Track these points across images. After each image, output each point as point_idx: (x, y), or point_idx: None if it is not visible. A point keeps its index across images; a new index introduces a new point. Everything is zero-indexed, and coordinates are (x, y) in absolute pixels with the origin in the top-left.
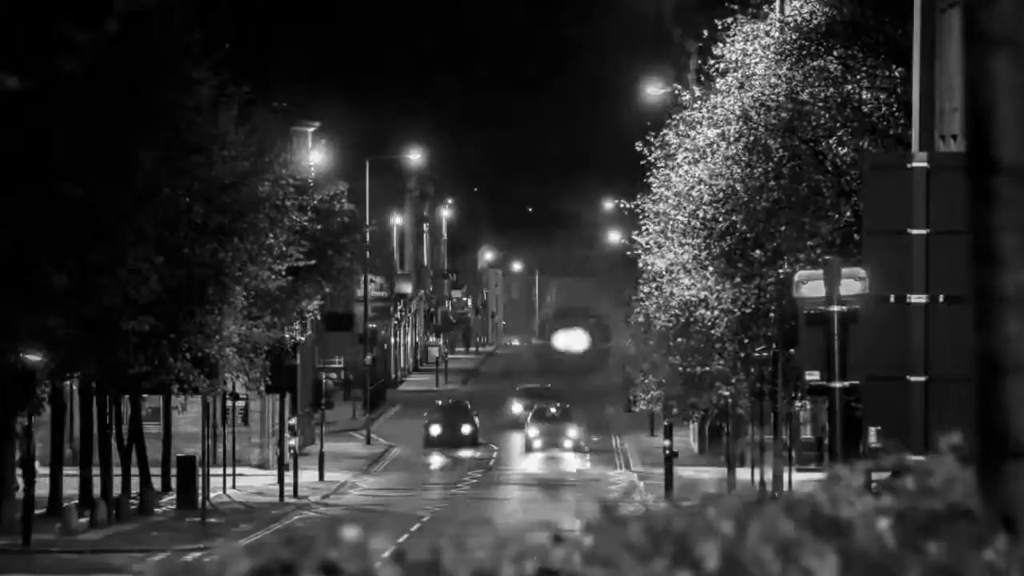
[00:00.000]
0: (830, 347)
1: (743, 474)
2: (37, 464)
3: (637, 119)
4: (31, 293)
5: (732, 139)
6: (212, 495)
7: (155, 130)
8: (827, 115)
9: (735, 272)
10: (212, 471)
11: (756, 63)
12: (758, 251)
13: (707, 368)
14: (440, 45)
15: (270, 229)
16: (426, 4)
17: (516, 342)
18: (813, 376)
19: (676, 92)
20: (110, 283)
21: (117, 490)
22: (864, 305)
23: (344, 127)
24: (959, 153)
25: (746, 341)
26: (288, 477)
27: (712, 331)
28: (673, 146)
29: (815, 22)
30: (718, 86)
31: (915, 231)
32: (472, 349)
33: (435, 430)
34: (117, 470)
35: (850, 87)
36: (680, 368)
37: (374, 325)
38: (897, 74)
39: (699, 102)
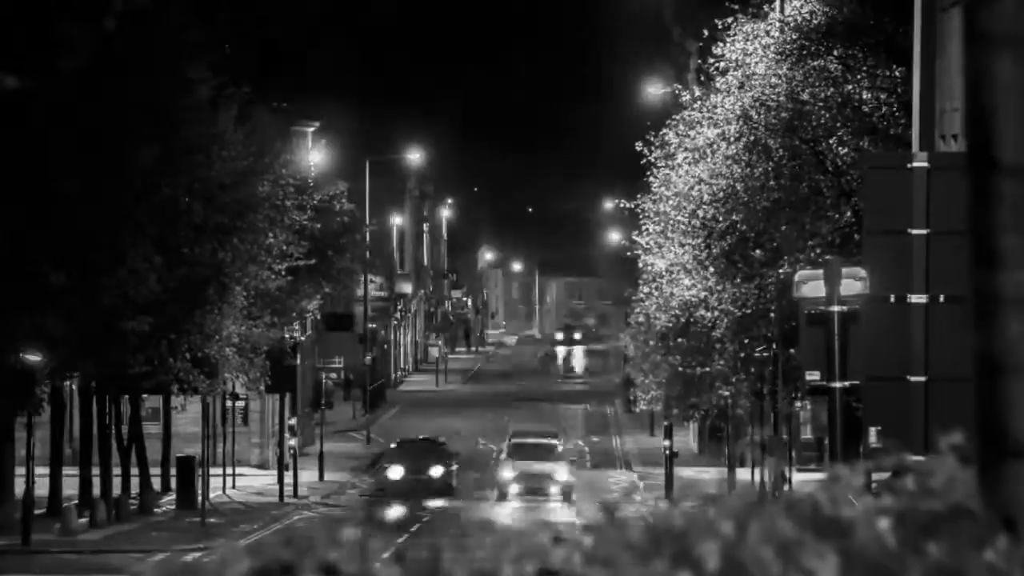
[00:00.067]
0: (830, 347)
1: (743, 474)
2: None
3: (637, 119)
4: (31, 293)
5: (732, 139)
6: (212, 495)
7: (154, 129)
8: (827, 115)
9: (735, 272)
10: (212, 471)
11: (756, 63)
12: (758, 251)
13: (707, 368)
14: (440, 45)
15: (270, 229)
16: (426, 4)
17: (513, 339)
18: (813, 376)
19: (676, 92)
20: (110, 283)
21: (117, 490)
22: (864, 305)
23: (344, 127)
24: (959, 153)
25: (746, 341)
26: (288, 477)
27: (712, 331)
28: (673, 146)
29: (815, 22)
30: (718, 86)
31: (915, 231)
32: (473, 349)
33: (394, 473)
34: (117, 470)
35: (850, 87)
36: (680, 368)
37: (374, 325)
38: (897, 74)
39: (699, 102)
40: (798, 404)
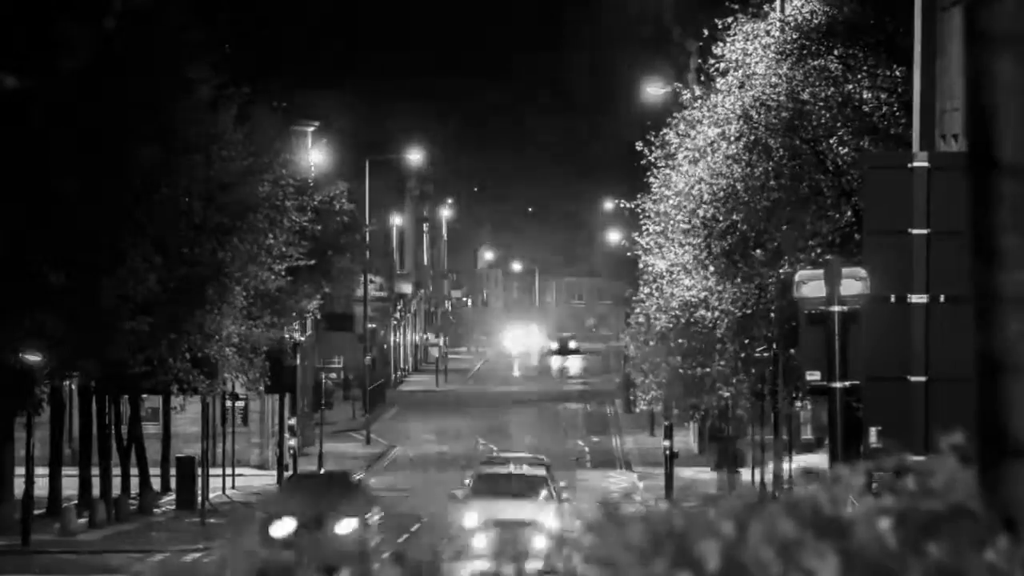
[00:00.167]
0: (830, 347)
1: (743, 475)
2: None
3: (637, 119)
4: (31, 293)
5: (732, 138)
6: (212, 495)
7: (154, 129)
8: (828, 115)
9: (735, 272)
10: (211, 471)
11: (756, 63)
12: (758, 251)
13: (707, 369)
14: (440, 45)
15: (269, 229)
16: (425, 3)
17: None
18: (813, 376)
19: (677, 91)
20: (110, 283)
21: (116, 490)
22: (865, 305)
23: (344, 127)
24: (960, 153)
25: (747, 341)
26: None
27: (712, 332)
28: (673, 146)
29: (816, 21)
30: (718, 86)
31: (916, 231)
32: (474, 349)
33: (280, 529)
34: (116, 470)
35: (851, 86)
36: (680, 369)
37: (374, 325)
38: (898, 73)
39: (699, 101)
40: (798, 404)
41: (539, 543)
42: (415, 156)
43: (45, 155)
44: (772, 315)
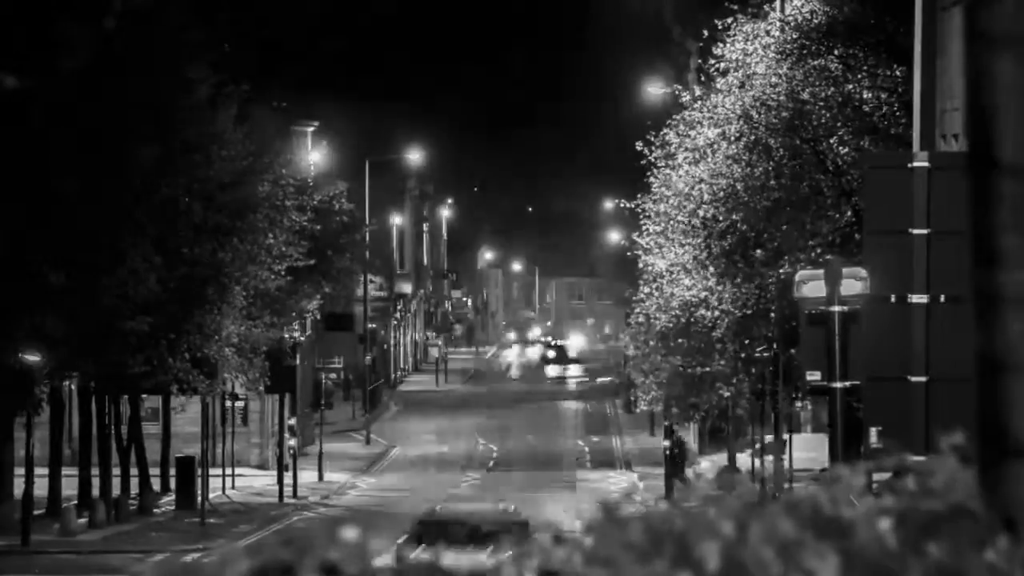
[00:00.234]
0: (831, 347)
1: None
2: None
3: (637, 119)
4: (30, 293)
5: (733, 138)
6: (211, 496)
7: (154, 129)
8: (828, 114)
9: (736, 272)
10: (211, 471)
11: (756, 63)
12: (759, 251)
13: (707, 368)
14: (439, 45)
15: (269, 229)
16: (425, 3)
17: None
18: (814, 376)
19: (676, 92)
20: (109, 283)
21: (116, 491)
22: (865, 305)
23: (344, 127)
24: (960, 153)
25: (747, 341)
26: (287, 478)
27: (713, 331)
28: (673, 146)
29: (816, 21)
30: (718, 86)
31: (916, 231)
32: (474, 349)
33: None
34: (116, 470)
35: (851, 86)
36: (680, 368)
37: (374, 325)
38: (898, 73)
39: (699, 102)
40: (798, 404)
41: None
42: (415, 156)
43: (45, 155)
44: (772, 315)
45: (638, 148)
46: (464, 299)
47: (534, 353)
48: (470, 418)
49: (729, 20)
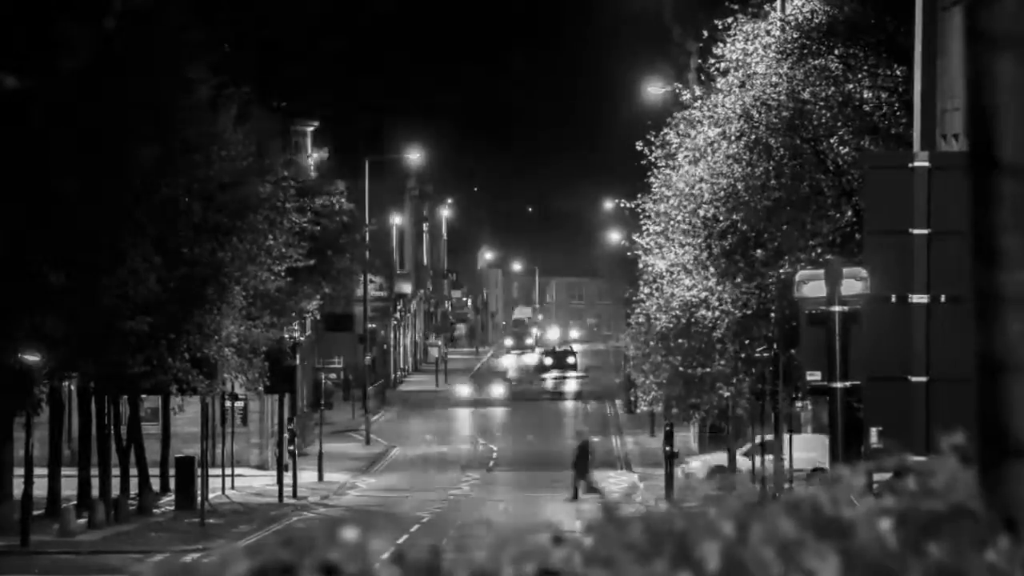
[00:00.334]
0: (831, 347)
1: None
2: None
3: (638, 118)
4: (30, 293)
5: (733, 138)
6: (211, 496)
7: (154, 129)
8: (828, 114)
9: (736, 272)
10: (211, 472)
11: (757, 62)
12: (759, 251)
13: (708, 369)
14: (439, 45)
15: (269, 229)
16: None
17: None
18: (814, 376)
19: (677, 91)
20: (109, 283)
21: (116, 491)
22: (865, 305)
23: (344, 127)
24: (961, 152)
25: (747, 341)
26: (287, 478)
27: (713, 332)
28: (674, 145)
29: (816, 21)
30: (719, 86)
31: (916, 231)
32: (474, 349)
33: None
34: (116, 471)
35: (851, 86)
36: (681, 369)
37: (374, 325)
38: (898, 73)
39: (699, 101)
40: (799, 404)
41: None
42: (415, 156)
43: (45, 155)
44: (772, 315)
45: (638, 148)
46: (464, 299)
47: (531, 360)
48: (470, 418)
49: (729, 20)
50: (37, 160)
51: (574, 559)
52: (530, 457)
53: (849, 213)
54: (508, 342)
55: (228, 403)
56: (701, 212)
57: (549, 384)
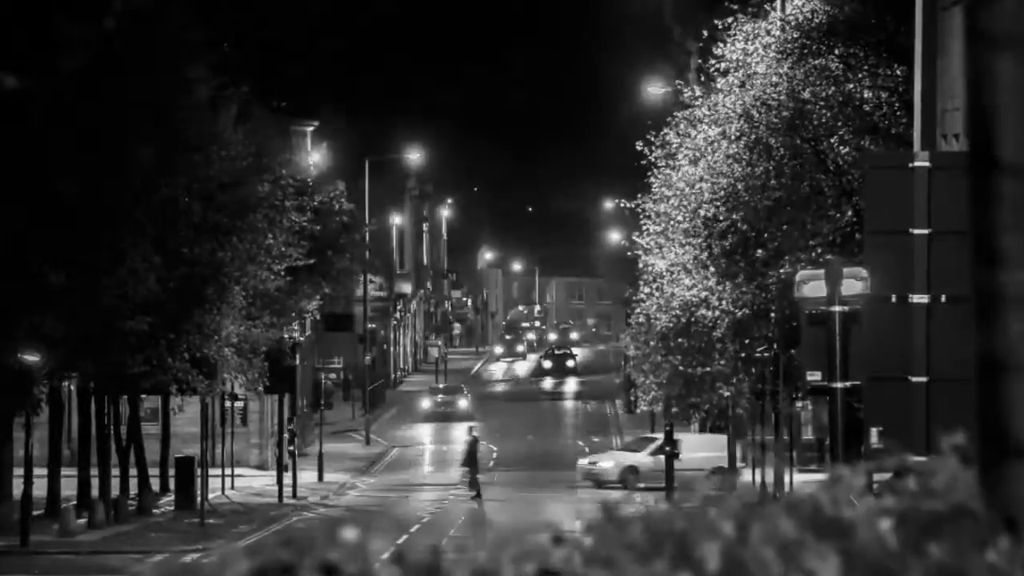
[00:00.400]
0: (831, 347)
1: (744, 475)
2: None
3: (638, 118)
4: (30, 293)
5: (733, 138)
6: (211, 496)
7: (154, 129)
8: (828, 114)
9: (736, 272)
10: (211, 472)
11: (757, 62)
12: (759, 251)
13: (708, 368)
14: (439, 45)
15: (269, 229)
16: (425, 3)
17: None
18: (814, 376)
19: (678, 88)
20: (108, 283)
21: (115, 491)
22: (865, 305)
23: (344, 127)
24: (961, 152)
25: (747, 341)
26: (287, 478)
27: (713, 331)
28: (674, 145)
29: (816, 21)
30: (719, 85)
31: (917, 231)
32: (474, 349)
33: None
34: (115, 471)
35: (851, 86)
36: (680, 368)
37: (373, 325)
38: (899, 73)
39: (700, 100)
40: (799, 404)
41: None
42: (415, 156)
43: (45, 155)
44: (773, 315)
45: (638, 148)
46: (464, 299)
47: (523, 370)
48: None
49: (729, 20)
50: (37, 160)
51: (574, 559)
52: (530, 457)
53: (849, 213)
54: (498, 349)
55: (228, 403)
56: (701, 212)
57: (547, 387)
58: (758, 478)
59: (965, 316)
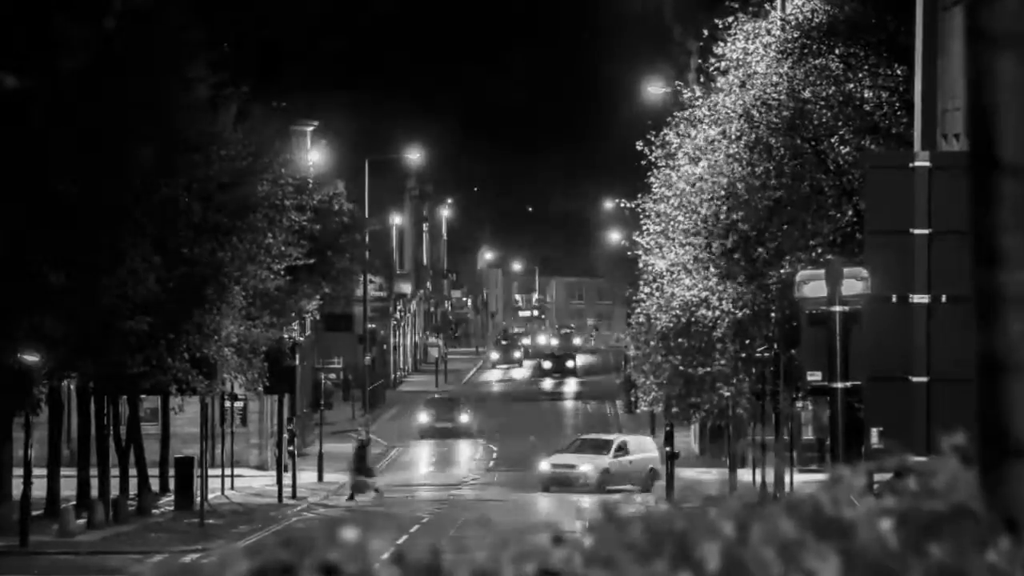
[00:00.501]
0: (832, 347)
1: (744, 475)
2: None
3: (637, 119)
4: (30, 293)
5: (733, 137)
6: (210, 496)
7: (154, 129)
8: (829, 114)
9: (737, 272)
10: (210, 472)
11: (757, 62)
12: (760, 250)
13: (708, 368)
14: (439, 45)
15: (269, 229)
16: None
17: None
18: (815, 376)
19: (678, 87)
20: (108, 283)
21: (115, 491)
22: (866, 305)
23: (343, 127)
24: (961, 152)
25: (747, 341)
26: (287, 478)
27: (713, 331)
28: (674, 145)
29: (817, 20)
30: (719, 85)
31: (917, 231)
32: (475, 348)
33: None
34: (115, 471)
35: (852, 85)
36: (681, 368)
37: (373, 325)
38: (899, 72)
39: (700, 100)
40: (799, 405)
41: None
42: (415, 156)
43: (45, 155)
44: (773, 315)
45: (638, 148)
46: (464, 299)
47: (521, 375)
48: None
49: (730, 19)
50: (37, 160)
51: (574, 559)
52: (530, 457)
53: (850, 213)
54: (494, 355)
55: (228, 403)
56: (702, 211)
57: (548, 385)
58: (758, 478)
59: (965, 316)
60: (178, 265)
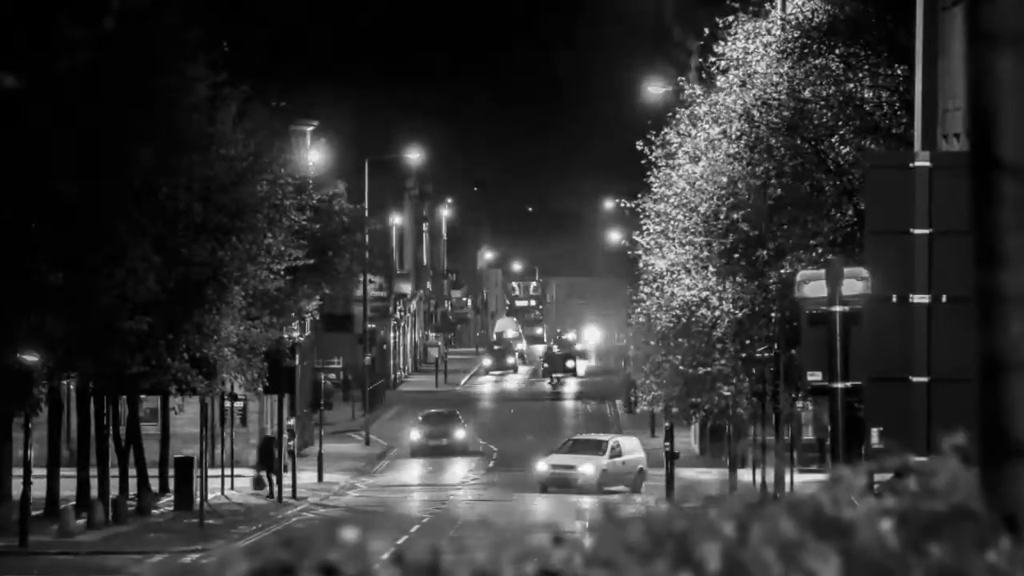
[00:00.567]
0: (832, 347)
1: (744, 475)
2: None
3: (638, 118)
4: (30, 293)
5: (733, 137)
6: (210, 496)
7: (154, 129)
8: (829, 114)
9: (737, 271)
10: (210, 472)
11: (757, 61)
12: (760, 250)
13: (708, 368)
14: (439, 44)
15: (268, 229)
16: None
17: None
18: (815, 377)
19: (680, 84)
20: (108, 283)
21: (115, 491)
22: (866, 305)
23: (344, 127)
24: (962, 152)
25: (747, 341)
26: (287, 478)
27: (713, 331)
28: (674, 145)
29: (817, 20)
30: (719, 84)
31: (918, 231)
32: (475, 349)
33: None
34: (115, 471)
35: (852, 85)
36: (681, 368)
37: (373, 325)
38: (899, 72)
39: (700, 99)
40: (799, 405)
41: None
42: (415, 156)
43: (45, 155)
44: (773, 315)
45: (638, 147)
46: (464, 299)
47: (516, 383)
48: (470, 418)
49: (730, 18)
50: (37, 160)
51: (574, 559)
52: (530, 457)
53: (850, 213)
54: (487, 362)
55: (227, 403)
56: (702, 210)
57: (548, 385)
58: (758, 478)
59: (966, 316)
60: (178, 265)
